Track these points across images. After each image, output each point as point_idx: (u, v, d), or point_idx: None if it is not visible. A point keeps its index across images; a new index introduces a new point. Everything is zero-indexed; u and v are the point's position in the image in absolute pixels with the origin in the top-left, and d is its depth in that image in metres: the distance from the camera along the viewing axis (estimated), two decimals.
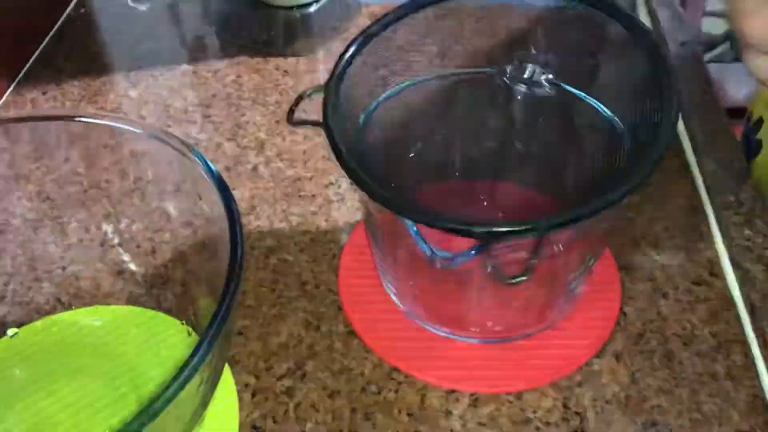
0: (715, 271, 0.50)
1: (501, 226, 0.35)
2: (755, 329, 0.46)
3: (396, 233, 0.42)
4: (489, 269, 0.39)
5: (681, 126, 0.61)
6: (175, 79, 0.69)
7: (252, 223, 0.55)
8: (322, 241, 0.53)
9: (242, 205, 0.56)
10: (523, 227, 0.35)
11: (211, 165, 0.39)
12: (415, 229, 0.38)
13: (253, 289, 0.50)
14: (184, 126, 0.63)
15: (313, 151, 0.60)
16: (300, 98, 0.40)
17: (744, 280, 0.48)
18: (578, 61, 0.46)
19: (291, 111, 0.39)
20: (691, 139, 0.59)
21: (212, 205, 0.41)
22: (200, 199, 0.42)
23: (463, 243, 0.37)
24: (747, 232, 0.51)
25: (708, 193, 0.55)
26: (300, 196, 0.57)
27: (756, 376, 0.44)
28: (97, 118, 0.44)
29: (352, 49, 0.42)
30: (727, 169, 0.55)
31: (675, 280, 0.50)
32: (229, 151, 0.61)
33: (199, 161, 0.40)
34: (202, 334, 0.32)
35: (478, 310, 0.43)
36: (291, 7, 0.76)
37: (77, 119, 0.44)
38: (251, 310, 0.49)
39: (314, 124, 0.38)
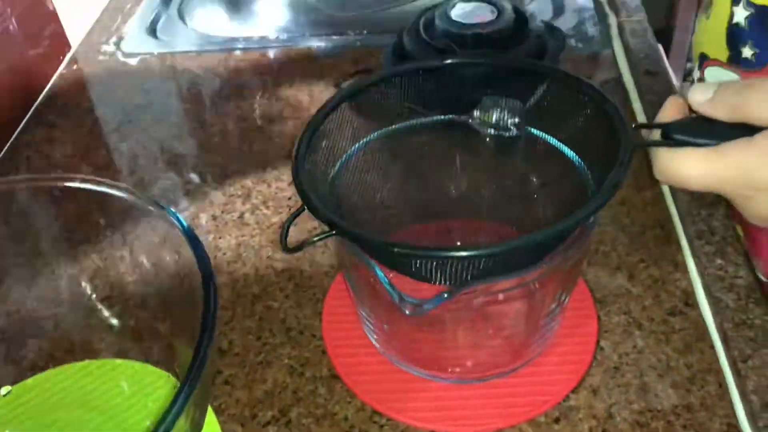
0: (690, 301, 0.51)
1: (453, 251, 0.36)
2: (728, 358, 0.47)
3: (368, 280, 0.43)
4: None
5: None
6: (164, 131, 0.71)
7: (238, 270, 0.56)
8: (307, 287, 0.55)
9: (228, 254, 0.58)
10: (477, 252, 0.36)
11: (184, 224, 0.41)
12: (382, 274, 0.39)
13: (240, 337, 0.52)
14: (171, 177, 0.65)
15: (297, 198, 0.62)
16: (288, 225, 0.40)
17: (717, 310, 0.49)
18: (540, 108, 0.47)
19: (283, 238, 0.40)
20: None
21: (190, 259, 0.42)
22: (178, 256, 0.43)
23: (435, 288, 0.39)
24: (719, 261, 0.52)
25: (682, 222, 0.56)
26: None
27: (730, 405, 0.45)
28: (81, 183, 0.46)
29: (321, 110, 0.44)
30: (701, 197, 0.57)
31: (650, 312, 0.51)
32: (216, 200, 0.63)
33: (174, 220, 0.41)
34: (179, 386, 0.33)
35: (453, 351, 0.45)
36: None
37: (63, 184, 0.46)
38: (238, 359, 0.50)
39: (309, 244, 0.39)
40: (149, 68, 0.80)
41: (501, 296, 0.41)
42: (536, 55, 0.66)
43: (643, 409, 0.45)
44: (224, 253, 0.58)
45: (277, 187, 0.63)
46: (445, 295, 0.38)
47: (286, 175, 0.65)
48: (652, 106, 0.65)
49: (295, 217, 0.40)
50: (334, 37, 0.83)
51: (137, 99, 0.75)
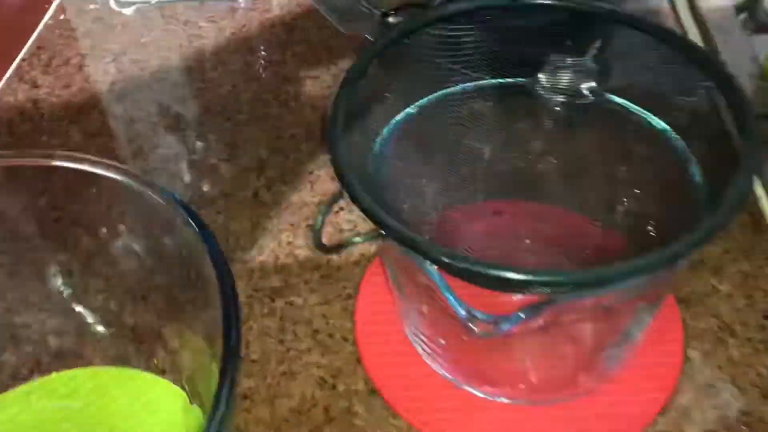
0: None
1: (565, 277, 0.28)
2: None
3: (419, 282, 0.35)
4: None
5: None
6: (164, 92, 0.62)
7: (254, 259, 0.48)
8: (335, 279, 0.47)
9: (242, 239, 0.49)
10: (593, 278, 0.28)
11: (190, 211, 0.33)
12: (445, 284, 0.31)
13: (258, 339, 0.44)
14: (173, 146, 0.57)
15: (320, 171, 0.54)
16: (323, 219, 0.32)
17: None
18: (627, 71, 0.39)
19: (318, 235, 0.32)
20: None
21: (199, 251, 0.34)
22: (185, 251, 0.35)
23: (509, 297, 0.31)
24: None
25: None
26: (308, 225, 0.50)
27: None
28: (75, 162, 0.37)
29: (359, 65, 0.36)
30: None
31: (743, 314, 0.43)
32: (226, 174, 0.54)
33: (178, 207, 0.33)
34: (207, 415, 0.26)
35: (519, 369, 0.37)
36: None
37: (52, 162, 0.38)
38: (257, 367, 0.42)
39: (346, 245, 0.31)
40: (146, 19, 0.70)
41: (582, 313, 0.33)
42: None
43: None
44: (237, 238, 0.49)
45: (295, 159, 0.55)
46: (524, 315, 0.30)
47: (304, 144, 0.56)
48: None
49: (331, 207, 0.32)
50: None
51: (133, 54, 0.66)
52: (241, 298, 0.46)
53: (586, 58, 0.41)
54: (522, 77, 0.41)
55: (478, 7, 0.38)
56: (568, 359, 0.36)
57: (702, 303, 0.44)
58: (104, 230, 0.41)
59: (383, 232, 0.30)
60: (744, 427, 0.38)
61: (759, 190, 0.50)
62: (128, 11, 0.71)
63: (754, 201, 0.49)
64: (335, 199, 0.32)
